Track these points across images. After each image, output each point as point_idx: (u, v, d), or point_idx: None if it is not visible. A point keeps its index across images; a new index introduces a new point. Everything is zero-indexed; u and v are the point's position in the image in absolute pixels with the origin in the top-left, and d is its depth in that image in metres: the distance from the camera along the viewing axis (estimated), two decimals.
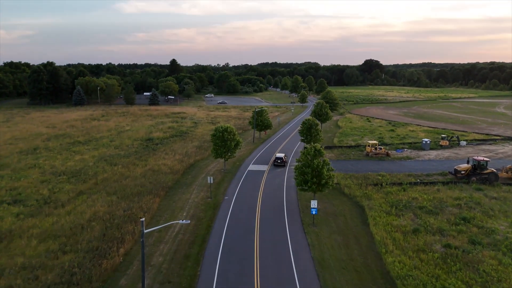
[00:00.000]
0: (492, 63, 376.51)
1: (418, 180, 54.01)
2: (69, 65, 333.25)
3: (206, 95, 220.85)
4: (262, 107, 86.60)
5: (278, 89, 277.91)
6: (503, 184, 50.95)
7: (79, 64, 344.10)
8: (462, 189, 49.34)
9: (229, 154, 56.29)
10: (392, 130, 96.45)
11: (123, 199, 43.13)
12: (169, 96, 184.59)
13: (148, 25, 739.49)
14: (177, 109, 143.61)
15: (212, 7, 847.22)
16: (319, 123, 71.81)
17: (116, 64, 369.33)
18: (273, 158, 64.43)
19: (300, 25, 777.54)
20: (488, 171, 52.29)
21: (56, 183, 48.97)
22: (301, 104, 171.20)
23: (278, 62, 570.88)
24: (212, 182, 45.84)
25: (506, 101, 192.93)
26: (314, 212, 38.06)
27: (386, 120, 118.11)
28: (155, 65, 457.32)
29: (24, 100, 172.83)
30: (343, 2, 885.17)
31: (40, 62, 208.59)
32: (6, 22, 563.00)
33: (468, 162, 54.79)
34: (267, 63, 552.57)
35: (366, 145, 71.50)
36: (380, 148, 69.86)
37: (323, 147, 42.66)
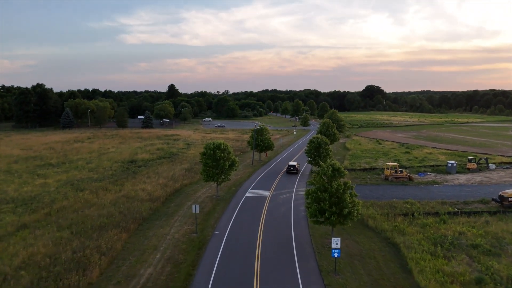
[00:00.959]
0: (493, 90, 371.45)
1: (456, 208, 43.65)
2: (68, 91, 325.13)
3: (203, 119, 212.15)
4: (262, 125, 76.86)
5: (279, 114, 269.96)
6: None
7: (78, 90, 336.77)
8: None
9: (222, 176, 45.98)
10: (408, 152, 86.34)
11: (78, 235, 32.36)
12: (163, 119, 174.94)
13: (149, 55, 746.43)
14: (170, 131, 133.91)
15: (213, 38, 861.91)
16: (328, 141, 61.83)
17: (115, 92, 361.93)
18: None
19: (299, 55, 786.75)
20: None
21: None
22: (303, 128, 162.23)
23: (278, 89, 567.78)
24: (198, 211, 35.25)
25: None
26: (336, 255, 27.25)
27: (397, 142, 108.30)
28: (155, 92, 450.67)
29: (10, 124, 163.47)
30: (339, 34, 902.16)
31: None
32: (10, 53, 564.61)
33: None
34: (266, 90, 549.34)
35: (384, 168, 61.22)
36: (401, 171, 59.62)
37: (342, 165, 32.51)
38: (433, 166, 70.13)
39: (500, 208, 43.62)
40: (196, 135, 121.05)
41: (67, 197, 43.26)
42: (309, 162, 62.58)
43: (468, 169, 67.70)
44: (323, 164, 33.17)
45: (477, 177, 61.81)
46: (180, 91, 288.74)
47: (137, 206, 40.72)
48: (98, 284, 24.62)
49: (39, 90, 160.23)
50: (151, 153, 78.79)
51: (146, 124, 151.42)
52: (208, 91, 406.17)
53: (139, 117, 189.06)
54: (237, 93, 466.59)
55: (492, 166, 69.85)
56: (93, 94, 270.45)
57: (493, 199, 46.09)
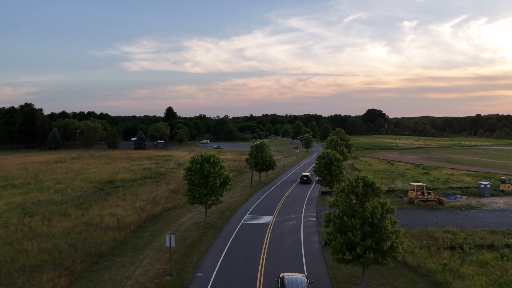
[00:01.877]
0: (497, 114, 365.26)
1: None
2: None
3: (201, 141, 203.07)
4: (262, 141, 67.43)
5: (279, 137, 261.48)
6: None
7: (72, 113, 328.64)
8: None
9: (212, 198, 36.18)
10: (427, 173, 76.53)
11: None
12: (158, 141, 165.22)
13: (151, 82, 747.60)
14: (164, 153, 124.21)
15: (214, 66, 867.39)
16: (341, 157, 52.20)
17: (113, 116, 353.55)
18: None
19: (298, 82, 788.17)
20: None
21: None
22: (306, 149, 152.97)
23: (277, 114, 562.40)
24: (173, 245, 25.21)
25: None
26: None
27: (410, 163, 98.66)
28: (154, 116, 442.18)
29: None
30: (338, 62, 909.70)
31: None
32: (13, 80, 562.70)
33: None
34: (266, 114, 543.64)
35: (409, 189, 51.35)
36: (428, 193, 49.79)
37: (376, 179, 22.94)
38: (461, 188, 60.46)
39: None
40: (190, 156, 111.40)
41: (7, 225, 33.20)
42: (318, 182, 52.82)
43: (503, 191, 58.19)
44: (349, 177, 23.56)
45: None
46: (180, 115, 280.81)
47: (98, 236, 30.69)
48: None
49: (27, 110, 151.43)
50: (135, 173, 68.88)
51: (139, 145, 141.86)
52: (207, 116, 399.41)
53: (132, 138, 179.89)
54: (237, 118, 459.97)
55: None
56: (88, 116, 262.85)
57: None
